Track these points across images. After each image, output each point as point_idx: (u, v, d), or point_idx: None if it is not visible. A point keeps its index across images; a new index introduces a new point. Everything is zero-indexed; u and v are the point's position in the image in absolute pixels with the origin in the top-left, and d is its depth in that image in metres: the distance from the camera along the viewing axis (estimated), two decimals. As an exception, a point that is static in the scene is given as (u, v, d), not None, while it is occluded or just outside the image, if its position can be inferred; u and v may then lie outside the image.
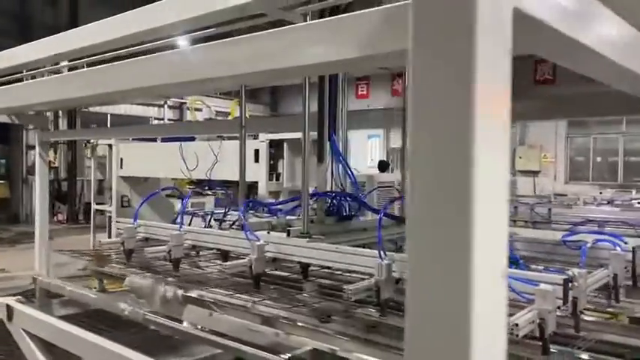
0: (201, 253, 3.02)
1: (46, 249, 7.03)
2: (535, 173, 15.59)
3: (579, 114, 3.80)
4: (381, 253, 1.93)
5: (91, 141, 8.28)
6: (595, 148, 15.35)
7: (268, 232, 2.56)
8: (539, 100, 5.20)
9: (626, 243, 2.11)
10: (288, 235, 2.41)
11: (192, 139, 6.96)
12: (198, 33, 2.67)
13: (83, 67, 4.62)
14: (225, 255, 2.73)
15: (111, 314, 3.65)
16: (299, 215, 2.73)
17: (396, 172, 19.77)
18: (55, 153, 14.08)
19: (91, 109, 13.66)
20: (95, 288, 3.64)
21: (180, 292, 2.75)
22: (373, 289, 1.91)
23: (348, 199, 2.83)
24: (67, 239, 9.60)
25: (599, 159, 15.39)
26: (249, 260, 2.27)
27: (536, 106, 3.74)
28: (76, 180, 14.26)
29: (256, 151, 5.86)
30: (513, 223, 7.79)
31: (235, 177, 6.47)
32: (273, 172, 5.81)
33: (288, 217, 2.89)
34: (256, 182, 6.09)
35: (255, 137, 6.43)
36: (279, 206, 3.16)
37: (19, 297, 3.12)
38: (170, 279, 2.78)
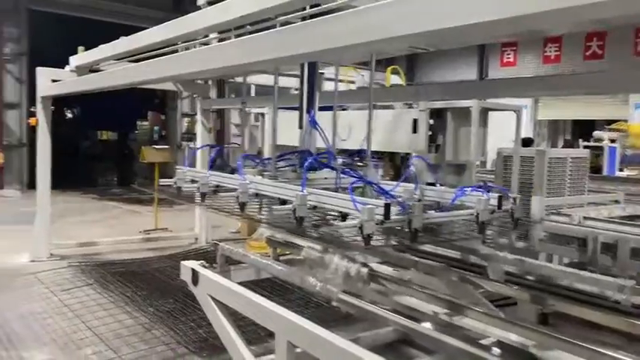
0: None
1: (205, 212, 7.40)
2: None
3: None
4: (303, 188, 2.79)
5: (245, 109, 8.50)
6: None
7: (254, 176, 3.46)
8: None
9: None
10: (262, 177, 3.40)
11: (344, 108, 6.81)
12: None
13: (230, 38, 4.64)
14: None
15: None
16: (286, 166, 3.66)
17: (543, 144, 18.38)
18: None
19: (237, 78, 14.16)
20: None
21: (364, 270, 2.62)
22: (291, 210, 2.72)
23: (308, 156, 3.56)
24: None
25: None
26: (236, 193, 3.16)
27: None
28: (224, 146, 15.01)
29: (414, 121, 5.54)
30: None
31: (387, 147, 6.28)
32: (432, 143, 5.47)
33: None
34: (408, 154, 5.81)
35: (411, 106, 6.11)
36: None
37: (203, 262, 3.16)
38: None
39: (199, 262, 3.17)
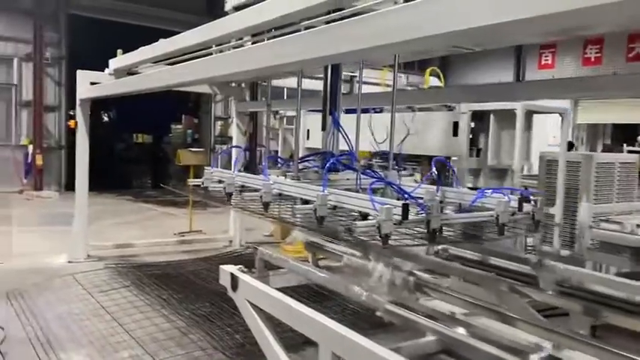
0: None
1: (240, 215, 7.37)
2: None
3: None
4: (324, 189, 2.84)
5: (279, 112, 8.48)
6: None
7: (277, 176, 3.51)
8: None
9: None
10: (285, 178, 3.47)
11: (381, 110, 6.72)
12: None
13: (263, 40, 4.59)
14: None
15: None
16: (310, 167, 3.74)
17: (581, 148, 17.84)
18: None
19: (273, 81, 14.18)
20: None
21: (411, 279, 2.51)
22: (312, 210, 2.79)
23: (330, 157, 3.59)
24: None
25: None
26: (260, 192, 3.22)
27: None
28: (256, 149, 15.04)
29: (455, 124, 5.40)
30: None
31: (426, 151, 6.14)
32: (473, 147, 5.31)
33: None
34: (448, 158, 5.66)
35: (451, 108, 5.96)
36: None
37: (241, 266, 3.10)
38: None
39: (238, 266, 3.11)
